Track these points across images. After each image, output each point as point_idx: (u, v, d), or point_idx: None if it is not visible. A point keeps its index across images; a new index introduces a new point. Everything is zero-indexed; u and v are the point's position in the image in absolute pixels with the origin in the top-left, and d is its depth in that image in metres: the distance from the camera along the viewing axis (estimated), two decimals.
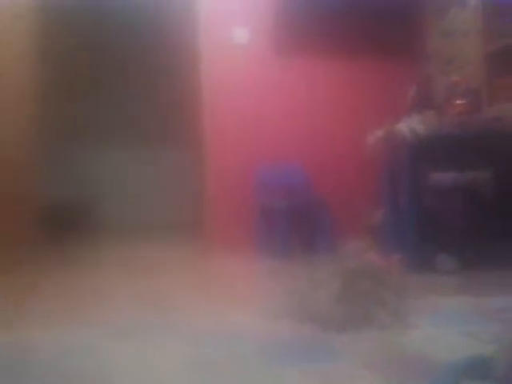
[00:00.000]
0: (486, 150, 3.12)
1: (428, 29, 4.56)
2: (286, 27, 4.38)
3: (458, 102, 3.26)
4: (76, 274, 3.35)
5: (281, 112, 4.47)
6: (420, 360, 1.61)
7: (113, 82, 6.99)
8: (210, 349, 1.75)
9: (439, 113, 3.28)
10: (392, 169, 3.48)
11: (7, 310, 2.37)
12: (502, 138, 3.13)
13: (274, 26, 4.38)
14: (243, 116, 4.41)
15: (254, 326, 2.02)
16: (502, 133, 3.14)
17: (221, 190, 4.34)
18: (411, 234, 3.06)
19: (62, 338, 1.92)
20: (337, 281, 2.08)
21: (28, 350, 1.77)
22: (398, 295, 2.06)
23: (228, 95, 4.39)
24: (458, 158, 3.18)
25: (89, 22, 6.66)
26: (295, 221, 3.88)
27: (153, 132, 7.09)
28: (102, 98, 7.01)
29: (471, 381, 1.31)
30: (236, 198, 4.33)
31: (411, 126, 3.14)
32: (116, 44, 6.88)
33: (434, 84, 4.10)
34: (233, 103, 4.39)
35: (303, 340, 1.85)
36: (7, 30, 4.08)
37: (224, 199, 4.34)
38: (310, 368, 1.57)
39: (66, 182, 6.63)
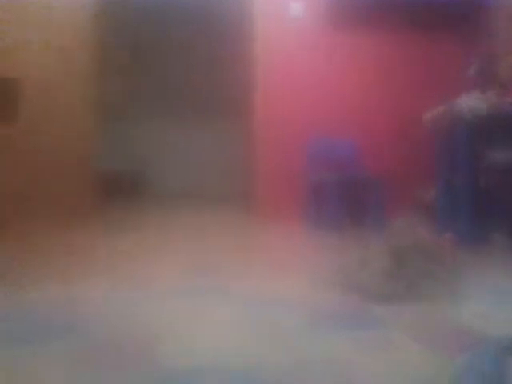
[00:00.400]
0: None
1: (494, 7, 4.38)
2: (339, 3, 4.31)
3: None
4: (130, 237, 3.48)
5: (335, 85, 4.43)
6: (468, 334, 1.62)
7: (169, 55, 7.07)
8: (259, 315, 1.81)
9: (500, 92, 3.19)
10: (448, 146, 3.41)
11: (66, 271, 2.51)
12: None
13: (328, 2, 4.32)
14: (297, 89, 4.40)
15: (302, 295, 2.06)
16: None
17: (272, 162, 4.38)
18: (465, 212, 3.02)
19: (116, 297, 2.01)
20: (387, 257, 2.09)
21: (86, 308, 1.88)
22: (449, 272, 2.06)
23: (282, 68, 4.38)
24: None
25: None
26: (346, 195, 3.88)
27: (207, 104, 7.17)
28: (155, 71, 7.12)
29: None
30: (287, 170, 4.36)
31: (471, 103, 3.07)
32: (175, 18, 6.94)
33: (497, 63, 3.96)
34: (287, 76, 4.39)
35: (351, 310, 1.88)
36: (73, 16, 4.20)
37: (275, 172, 4.37)
38: (358, 336, 1.60)
39: (122, 152, 6.82)
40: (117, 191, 6.21)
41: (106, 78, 5.81)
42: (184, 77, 7.21)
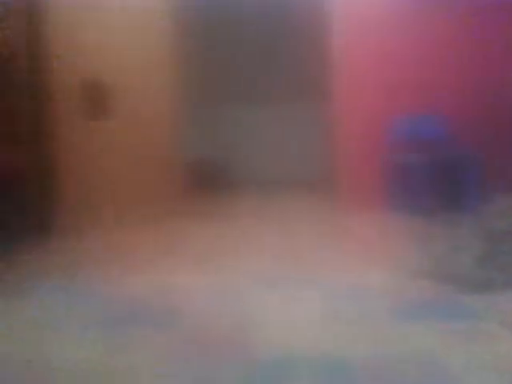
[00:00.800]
0: None
1: None
2: None
3: None
4: (216, 226, 3.56)
5: (418, 63, 4.25)
6: None
7: (249, 44, 7.11)
8: (348, 305, 1.79)
9: None
10: None
11: (159, 260, 2.61)
12: None
13: None
14: (379, 69, 4.27)
15: (391, 284, 2.02)
16: None
17: (354, 145, 4.29)
18: None
19: (209, 286, 2.08)
20: (481, 242, 1.99)
21: (181, 296, 1.95)
22: None
23: (361, 49, 4.26)
24: None
25: None
26: (435, 177, 3.72)
27: (287, 90, 7.14)
28: (237, 59, 7.18)
29: None
30: (370, 153, 4.25)
31: None
32: (248, 5, 6.95)
33: None
34: (369, 56, 4.26)
35: (441, 300, 1.81)
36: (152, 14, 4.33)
37: (358, 155, 4.28)
38: (449, 327, 1.55)
39: (207, 141, 6.98)
40: (204, 180, 6.37)
41: (187, 70, 5.94)
42: (265, 63, 7.21)
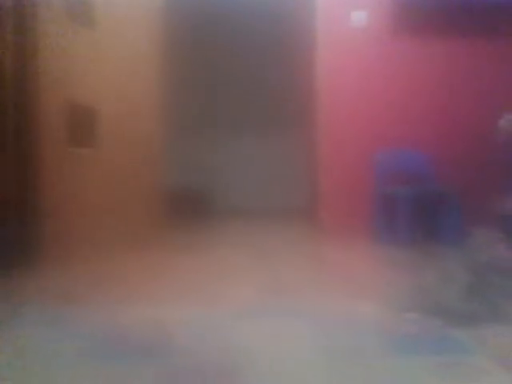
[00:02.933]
0: None
1: None
2: (403, 9, 4.22)
3: None
4: (198, 256, 3.52)
5: (402, 95, 4.33)
6: None
7: (228, 72, 7.19)
8: (334, 337, 1.77)
9: None
10: None
11: (137, 292, 2.56)
12: None
13: (391, 8, 4.24)
14: (361, 100, 4.33)
15: (376, 317, 2.00)
16: None
17: (337, 175, 4.32)
18: None
19: (189, 318, 2.03)
20: (467, 274, 1.99)
21: (159, 329, 1.90)
22: None
23: (346, 79, 4.33)
24: None
25: (209, 13, 6.90)
26: (418, 209, 3.76)
27: (268, 118, 7.20)
28: (218, 87, 7.24)
29: None
30: (355, 184, 4.28)
31: None
32: (233, 33, 7.05)
33: None
34: (350, 87, 4.33)
35: (430, 334, 1.80)
36: (137, 25, 4.36)
37: (341, 185, 4.31)
38: (438, 362, 1.53)
39: (187, 170, 6.97)
40: (186, 208, 6.33)
41: (175, 96, 5.96)
42: (250, 90, 7.29)
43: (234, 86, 7.28)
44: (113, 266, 3.21)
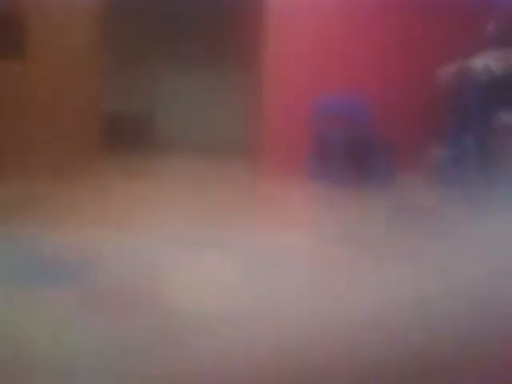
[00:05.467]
0: None
1: None
2: None
3: None
4: (134, 184, 3.48)
5: (346, 40, 4.31)
6: None
7: (178, 3, 6.89)
8: (261, 268, 1.81)
9: None
10: (461, 106, 3.34)
11: (73, 215, 2.51)
12: None
13: None
14: (307, 40, 4.29)
15: (304, 248, 2.06)
16: None
17: (279, 114, 4.32)
18: (474, 174, 2.98)
19: (119, 243, 2.02)
20: (388, 214, 2.09)
21: (91, 253, 1.89)
22: None
23: (292, 18, 4.26)
24: None
25: None
26: (352, 152, 3.84)
27: (214, 51, 7.02)
28: (165, 18, 6.95)
29: None
30: (294, 123, 4.30)
31: (486, 62, 2.98)
32: None
33: None
34: (297, 27, 4.27)
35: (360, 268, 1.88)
36: None
37: (282, 124, 4.32)
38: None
39: (128, 96, 6.74)
40: (123, 134, 6.17)
41: (115, 20, 5.67)
42: (193, 25, 7.04)
43: (184, 15, 7.00)
44: (45, 188, 3.12)
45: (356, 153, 3.89)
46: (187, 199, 3.01)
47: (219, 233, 2.25)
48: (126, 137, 6.15)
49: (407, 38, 4.35)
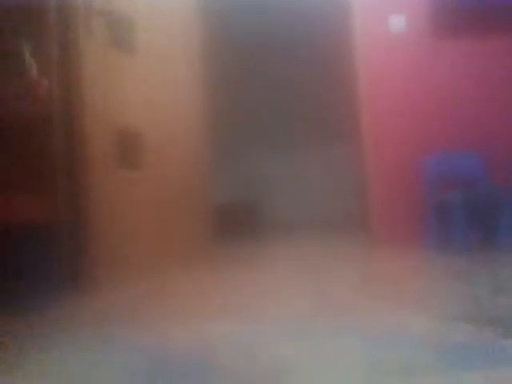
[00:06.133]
0: None
1: None
2: (442, 11, 4.10)
3: None
4: (247, 272, 3.50)
5: (448, 98, 4.19)
6: None
7: (273, 86, 7.21)
8: (385, 352, 1.70)
9: None
10: None
11: (182, 305, 2.56)
12: None
13: (430, 12, 4.13)
14: (405, 106, 4.23)
15: (429, 329, 1.91)
16: None
17: (386, 183, 4.21)
18: None
19: (238, 336, 2.01)
20: None
21: (204, 344, 1.89)
22: None
23: (387, 85, 4.24)
24: None
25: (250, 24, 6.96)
26: (473, 215, 3.60)
27: (313, 129, 7.15)
28: (264, 99, 7.27)
29: None
30: (403, 191, 4.16)
31: None
32: (273, 46, 7.08)
33: None
34: (393, 93, 4.23)
35: (483, 345, 1.70)
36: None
37: (390, 193, 4.20)
38: (491, 374, 1.44)
39: (234, 182, 7.00)
40: (234, 223, 6.34)
41: (220, 114, 6.02)
42: (289, 105, 7.28)
43: (278, 100, 7.29)
44: (163, 286, 3.24)
45: (477, 215, 3.65)
46: (302, 284, 2.96)
47: (339, 318, 2.16)
48: (236, 225, 6.30)
49: (509, 91, 4.13)
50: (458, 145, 4.10)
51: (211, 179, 5.00)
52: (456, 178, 3.98)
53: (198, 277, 3.48)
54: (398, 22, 4.20)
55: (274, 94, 7.26)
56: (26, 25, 3.13)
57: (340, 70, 6.28)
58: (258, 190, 7.16)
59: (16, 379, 1.66)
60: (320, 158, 7.15)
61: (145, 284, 3.28)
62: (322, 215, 6.93)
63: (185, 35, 4.53)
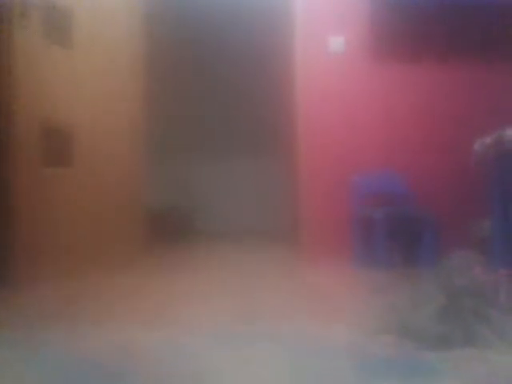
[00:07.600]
0: None
1: None
2: (381, 34, 4.28)
3: None
4: (176, 278, 3.48)
5: (378, 120, 4.37)
6: None
7: (210, 95, 7.23)
8: (306, 362, 1.74)
9: None
10: (501, 178, 3.27)
11: (115, 314, 2.52)
12: None
13: (369, 34, 4.30)
14: (339, 125, 4.37)
15: (350, 340, 1.98)
16: None
17: (315, 199, 4.33)
18: None
19: (165, 342, 1.99)
20: (440, 297, 1.99)
21: (135, 353, 1.87)
22: (504, 313, 1.93)
23: (324, 105, 4.37)
24: None
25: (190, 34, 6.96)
26: (395, 231, 3.77)
27: (248, 142, 7.23)
28: (199, 109, 7.28)
29: None
30: (331, 207, 4.29)
31: None
32: (212, 56, 7.12)
33: None
34: (328, 112, 4.37)
35: (403, 357, 1.78)
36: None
37: (319, 208, 4.31)
38: None
39: (167, 191, 6.94)
40: (166, 229, 6.28)
41: (154, 117, 5.96)
42: (225, 115, 7.33)
43: (217, 109, 7.32)
44: (87, 287, 3.16)
45: (399, 232, 3.82)
46: (230, 292, 2.98)
47: (263, 326, 2.19)
48: (168, 230, 6.24)
49: (443, 113, 4.37)
50: (385, 164, 4.28)
51: (145, 183, 4.93)
52: (381, 195, 4.15)
53: (125, 281, 3.42)
54: (337, 43, 4.33)
55: (213, 103, 7.29)
56: None
57: (278, 86, 6.40)
58: (192, 197, 7.14)
59: None
60: (255, 169, 7.23)
61: (70, 286, 3.18)
62: (253, 225, 7.00)
63: (123, 32, 4.45)
